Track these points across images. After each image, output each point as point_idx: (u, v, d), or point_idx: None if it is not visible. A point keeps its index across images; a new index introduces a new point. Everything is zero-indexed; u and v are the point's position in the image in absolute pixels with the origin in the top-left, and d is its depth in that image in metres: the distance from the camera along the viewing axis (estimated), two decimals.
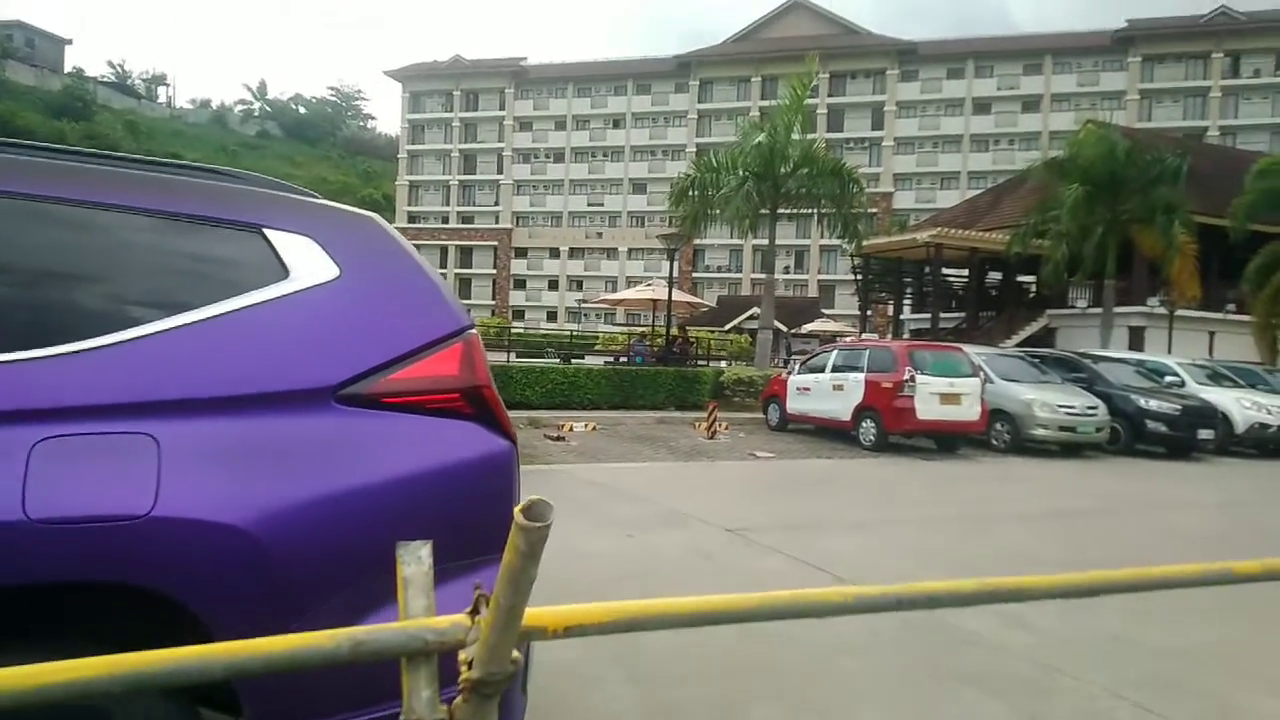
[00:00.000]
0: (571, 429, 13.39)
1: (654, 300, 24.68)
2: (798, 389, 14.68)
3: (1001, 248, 26.49)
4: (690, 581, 5.12)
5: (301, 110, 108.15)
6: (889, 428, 12.48)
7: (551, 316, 71.15)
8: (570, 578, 3.87)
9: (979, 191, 45.39)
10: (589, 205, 75.51)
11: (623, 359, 23.02)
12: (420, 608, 1.24)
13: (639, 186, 73.56)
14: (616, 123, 74.94)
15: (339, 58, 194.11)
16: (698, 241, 34.75)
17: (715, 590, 4.92)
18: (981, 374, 13.06)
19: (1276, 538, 7.65)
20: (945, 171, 66.74)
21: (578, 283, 72.44)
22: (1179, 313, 25.53)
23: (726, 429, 14.47)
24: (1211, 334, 28.35)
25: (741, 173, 20.05)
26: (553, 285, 73.93)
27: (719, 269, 70.15)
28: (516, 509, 1.08)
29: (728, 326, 48.61)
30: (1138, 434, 14.44)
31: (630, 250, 71.61)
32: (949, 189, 64.30)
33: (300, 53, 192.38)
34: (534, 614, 1.17)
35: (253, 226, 1.96)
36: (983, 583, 1.78)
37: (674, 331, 23.75)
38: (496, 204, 76.83)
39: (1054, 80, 64.94)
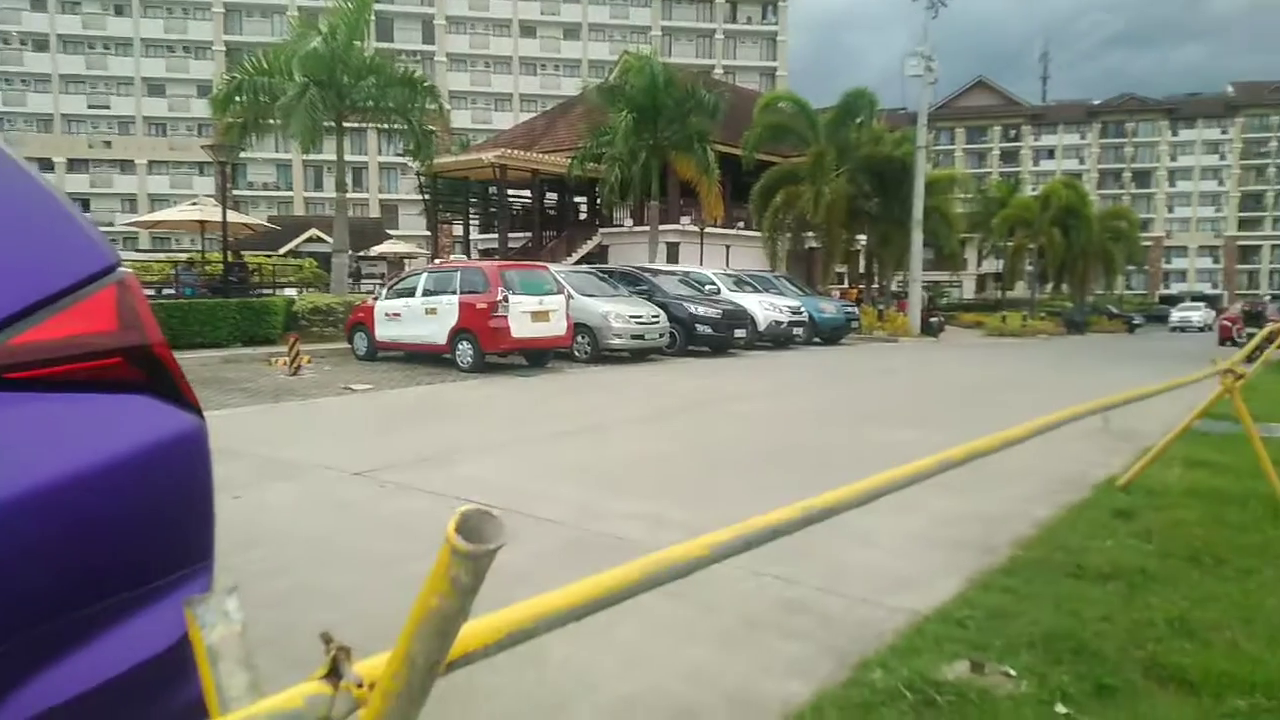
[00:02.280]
0: None
1: (202, 221, 21.50)
2: (387, 315, 14.02)
3: (562, 170, 27.90)
4: (344, 538, 4.60)
5: None
6: (486, 348, 12.56)
7: None
8: None
9: (533, 115, 47.07)
10: (90, 108, 62.68)
11: (166, 291, 19.82)
12: (240, 686, 0.81)
13: (156, 88, 62.90)
14: (120, 9, 62.60)
15: None
16: (241, 155, 30.60)
17: (376, 544, 4.39)
18: (565, 291, 13.72)
19: (851, 416, 9.33)
20: (499, 93, 67.97)
21: (83, 201, 60.30)
22: (707, 230, 29.51)
23: (310, 363, 13.33)
24: (728, 246, 33.38)
25: (300, 79, 18.09)
26: None
27: (265, 186, 63.63)
28: (450, 525, 0.73)
29: (283, 250, 44.44)
30: (690, 336, 16.51)
31: (151, 163, 61.40)
32: (503, 110, 65.77)
33: None
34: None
35: None
36: (807, 505, 1.76)
37: (231, 257, 21.01)
38: None
39: (590, 10, 69.26)
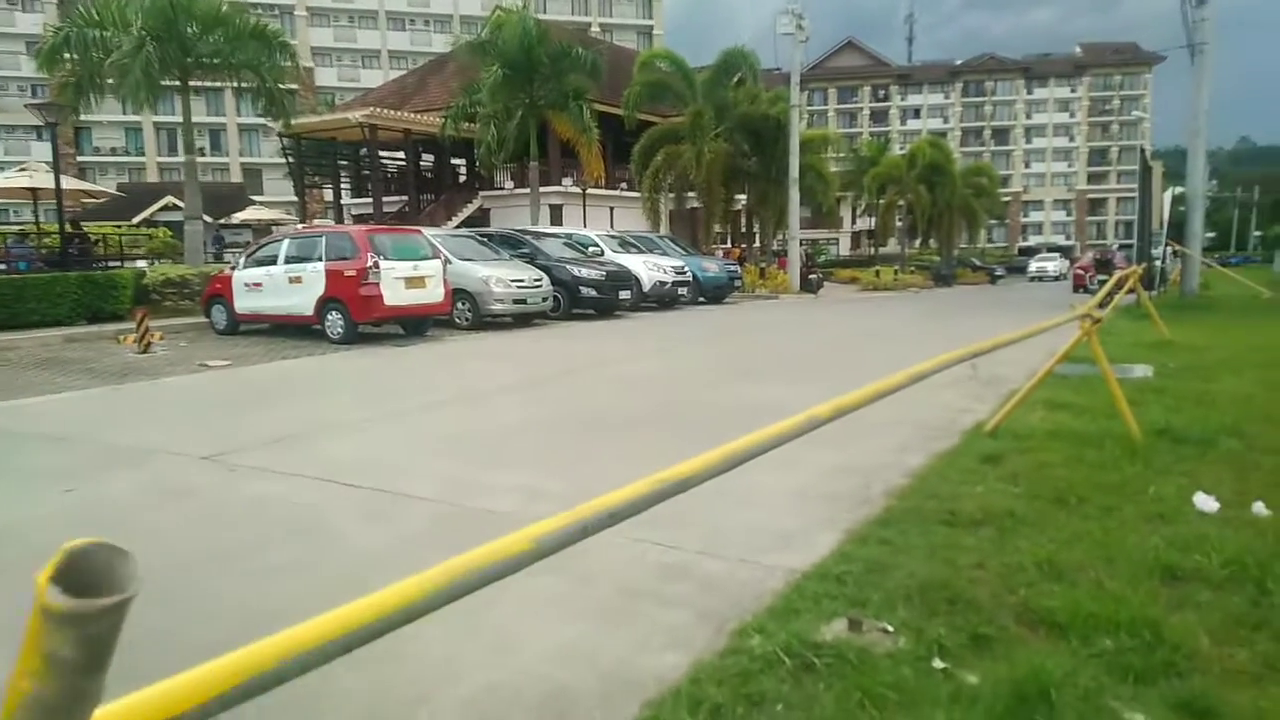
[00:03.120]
0: None
1: (32, 189, 19.52)
2: (246, 285, 13.12)
3: (435, 130, 26.83)
4: (180, 529, 4.17)
5: None
6: (357, 318, 11.92)
7: None
8: None
9: (403, 72, 45.11)
10: None
11: None
12: None
13: None
14: None
15: None
16: (83, 118, 27.78)
17: (221, 534, 3.94)
18: (441, 255, 13.17)
19: (733, 375, 9.28)
20: (366, 49, 64.81)
21: None
22: (589, 191, 29.10)
23: (162, 339, 12.35)
24: (611, 208, 33.08)
25: (137, 31, 16.51)
26: None
27: (113, 151, 58.86)
28: (43, 572, 0.47)
29: (136, 220, 41.33)
30: (574, 299, 16.23)
31: None
32: (371, 68, 62.83)
33: None
34: None
35: None
36: (653, 481, 1.57)
37: (70, 228, 19.18)
38: None
39: None
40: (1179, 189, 21.45)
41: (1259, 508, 4.16)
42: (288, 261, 12.66)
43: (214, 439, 5.96)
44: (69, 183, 20.02)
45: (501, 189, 31.50)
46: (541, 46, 23.94)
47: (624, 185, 33.70)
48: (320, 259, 12.22)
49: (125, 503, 4.68)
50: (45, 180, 18.59)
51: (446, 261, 13.29)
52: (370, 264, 11.66)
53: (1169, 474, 4.73)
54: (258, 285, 12.96)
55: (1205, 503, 4.27)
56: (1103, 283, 19.19)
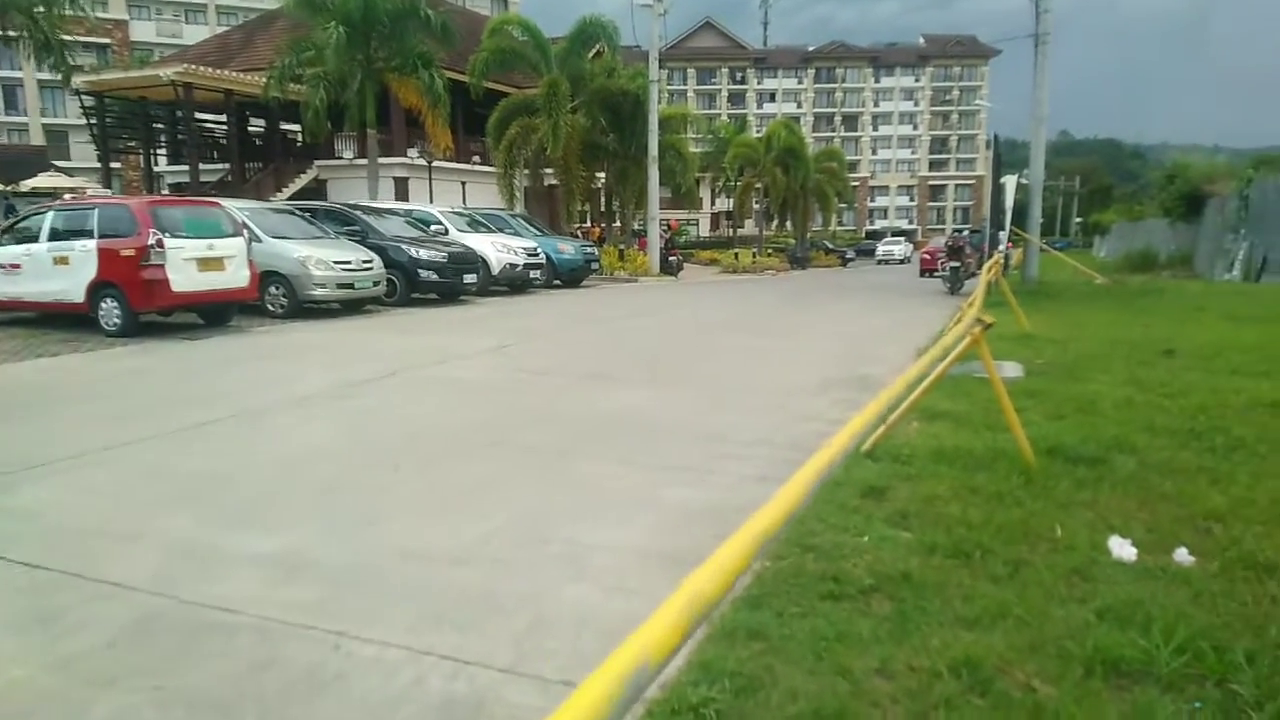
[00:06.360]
0: None
1: None
2: (4, 267, 10.90)
3: (259, 91, 24.20)
4: None
5: None
6: (137, 306, 10.02)
7: None
8: None
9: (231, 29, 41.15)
10: None
11: None
12: None
13: None
14: None
15: None
16: None
17: None
18: (246, 232, 11.38)
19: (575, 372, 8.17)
20: (190, 3, 59.10)
21: None
22: (436, 164, 27.21)
23: None
24: (464, 183, 31.24)
25: None
26: None
27: None
28: None
29: None
30: (412, 284, 14.71)
31: None
32: (196, 23, 57.36)
33: None
34: None
35: None
36: None
37: None
38: None
39: None
40: (1024, 179, 22.07)
41: (1181, 555, 3.54)
42: (53, 238, 10.54)
43: None
44: None
45: (340, 159, 29.05)
46: (383, 3, 21.88)
47: (478, 159, 31.89)
48: (92, 235, 10.20)
49: None
50: None
51: (254, 239, 11.51)
52: (152, 242, 9.79)
53: (1071, 507, 4.09)
54: (16, 267, 10.78)
55: (1121, 548, 3.63)
56: (954, 269, 19.57)
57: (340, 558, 3.51)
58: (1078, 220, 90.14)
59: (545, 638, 2.85)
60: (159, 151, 31.13)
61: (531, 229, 21.47)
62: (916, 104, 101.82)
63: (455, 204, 24.46)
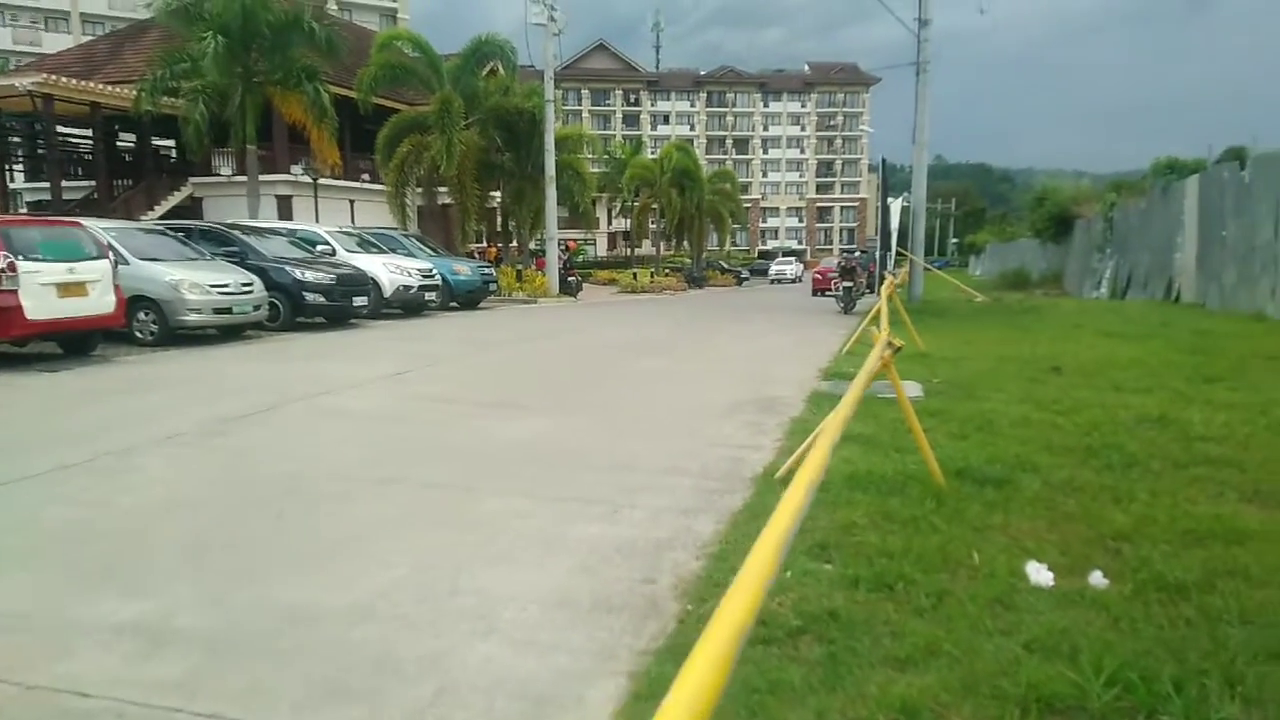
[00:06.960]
0: None
1: None
2: None
3: (129, 104, 22.75)
4: None
5: None
6: None
7: None
8: None
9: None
10: None
11: None
12: None
13: None
14: None
15: None
16: None
17: None
18: (112, 254, 10.51)
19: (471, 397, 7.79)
20: (50, 9, 55.47)
21: None
22: (323, 182, 26.18)
23: None
24: (352, 202, 30.21)
25: None
26: None
27: None
28: None
29: None
30: (297, 307, 13.99)
31: None
32: (58, 31, 53.81)
33: None
34: None
35: None
36: None
37: None
38: None
39: None
40: (906, 201, 22.93)
41: (1097, 578, 3.55)
42: None
43: None
44: None
45: (217, 175, 27.60)
46: (263, 14, 20.93)
47: (367, 177, 30.90)
48: None
49: None
50: None
51: (120, 262, 10.66)
52: (3, 265, 8.89)
53: (985, 531, 4.07)
54: None
55: (1038, 573, 3.63)
56: (847, 289, 20.11)
57: (214, 623, 3.12)
58: (954, 240, 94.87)
59: (454, 708, 2.57)
60: (15, 167, 28.86)
61: (426, 249, 20.85)
62: (803, 129, 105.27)
63: (343, 223, 23.57)
